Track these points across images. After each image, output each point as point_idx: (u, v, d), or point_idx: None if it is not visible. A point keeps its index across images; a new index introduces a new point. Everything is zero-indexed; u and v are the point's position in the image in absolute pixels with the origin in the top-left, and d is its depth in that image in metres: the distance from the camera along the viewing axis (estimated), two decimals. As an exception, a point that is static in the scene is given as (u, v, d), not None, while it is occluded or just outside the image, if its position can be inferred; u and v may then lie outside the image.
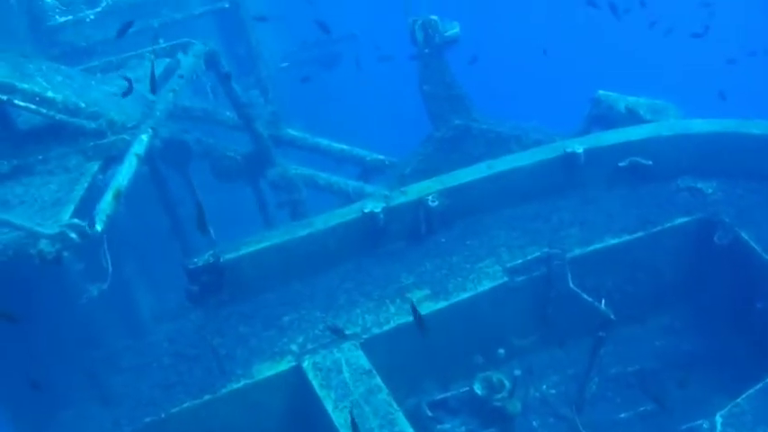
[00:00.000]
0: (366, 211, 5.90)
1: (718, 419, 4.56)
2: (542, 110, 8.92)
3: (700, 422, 4.61)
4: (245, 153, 7.45)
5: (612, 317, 5.53)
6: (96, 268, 4.58)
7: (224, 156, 7.38)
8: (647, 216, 6.04)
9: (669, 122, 6.62)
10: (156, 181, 6.47)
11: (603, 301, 5.61)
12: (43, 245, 4.06)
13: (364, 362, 5.09)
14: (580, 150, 6.17)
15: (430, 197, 6.05)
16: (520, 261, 5.77)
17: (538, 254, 5.80)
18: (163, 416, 4.85)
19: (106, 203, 4.38)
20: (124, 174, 4.66)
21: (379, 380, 4.90)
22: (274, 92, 8.79)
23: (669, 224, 5.98)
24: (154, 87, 5.31)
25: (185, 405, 4.90)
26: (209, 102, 8.10)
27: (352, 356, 5.14)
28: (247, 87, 8.54)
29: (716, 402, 4.82)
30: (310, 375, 5.01)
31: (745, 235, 5.77)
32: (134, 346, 5.47)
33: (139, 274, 7.14)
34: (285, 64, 12.50)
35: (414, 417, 5.03)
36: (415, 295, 5.57)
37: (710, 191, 6.23)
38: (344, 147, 8.37)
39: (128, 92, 5.11)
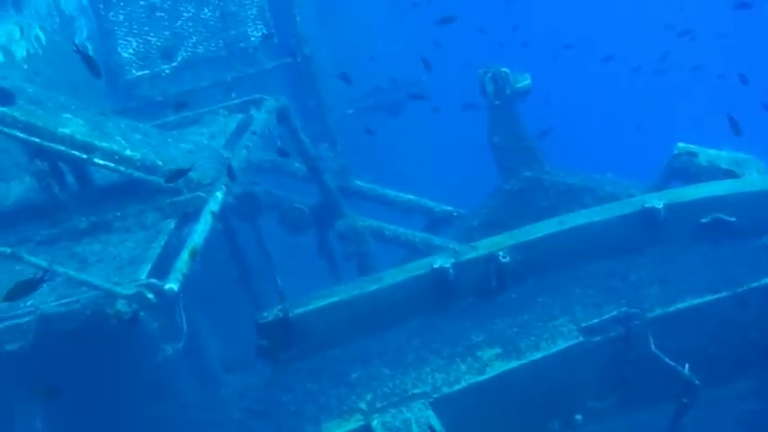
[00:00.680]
0: (435, 266, 5.82)
1: None
2: (617, 160, 8.75)
3: None
4: (314, 204, 7.48)
5: (697, 382, 5.30)
6: (171, 326, 4.60)
7: (292, 207, 7.41)
8: (732, 275, 5.80)
9: (753, 177, 6.40)
10: (226, 232, 6.53)
11: (687, 365, 5.38)
12: (120, 305, 4.09)
13: (435, 422, 4.97)
14: (660, 206, 5.98)
15: (501, 252, 5.93)
16: (596, 320, 5.59)
17: (615, 313, 5.60)
18: None
19: (182, 263, 4.41)
20: (200, 232, 4.69)
21: None
22: (342, 143, 8.82)
23: (755, 283, 5.74)
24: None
25: None
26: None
27: (422, 416, 5.03)
28: (314, 136, 8.63)
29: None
30: None
31: None
32: (205, 400, 5.47)
33: (209, 324, 7.19)
34: (350, 110, 12.61)
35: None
36: (486, 354, 5.44)
37: (798, 249, 5.98)
38: (412, 197, 8.34)
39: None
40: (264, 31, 7.98)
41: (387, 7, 12.82)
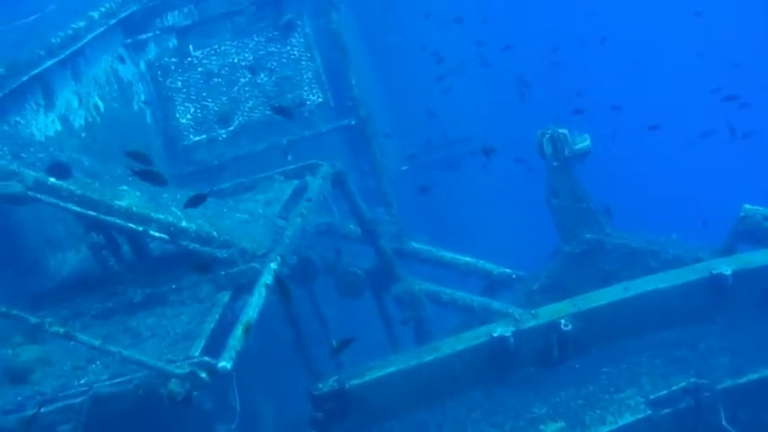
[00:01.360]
0: (495, 335, 5.67)
1: None
2: (680, 221, 8.50)
3: None
4: (369, 268, 7.39)
5: (773, 460, 5.03)
6: (224, 405, 4.53)
7: (347, 271, 7.34)
8: (806, 344, 5.54)
9: (826, 241, 6.14)
10: (281, 298, 6.47)
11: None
12: (173, 385, 4.03)
13: None
14: (728, 272, 5.74)
15: (563, 320, 5.75)
16: (664, 392, 5.38)
17: (684, 384, 5.40)
18: None
19: (236, 339, 4.35)
20: (253, 306, 4.64)
21: None
22: (398, 202, 8.75)
23: None
24: None
25: None
26: (332, 215, 8.16)
27: None
28: (370, 196, 8.59)
29: None
30: None
31: None
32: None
33: (263, 391, 7.12)
34: (405, 167, 12.57)
35: None
36: (549, 428, 5.26)
37: None
38: (469, 260, 8.20)
39: None
40: (321, 95, 8.01)
41: (446, 64, 12.85)
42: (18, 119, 6.02)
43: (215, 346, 4.43)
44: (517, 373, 5.77)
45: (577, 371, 5.74)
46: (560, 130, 6.96)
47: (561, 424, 5.33)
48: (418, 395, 5.64)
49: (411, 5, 12.80)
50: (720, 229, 6.88)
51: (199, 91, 7.99)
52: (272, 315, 6.57)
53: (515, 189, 12.55)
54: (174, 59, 7.95)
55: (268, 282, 4.91)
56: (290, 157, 7.62)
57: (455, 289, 7.68)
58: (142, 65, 7.93)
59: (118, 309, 5.01)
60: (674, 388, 5.41)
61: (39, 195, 4.89)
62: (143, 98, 7.87)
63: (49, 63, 6.37)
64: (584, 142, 6.99)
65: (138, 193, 5.14)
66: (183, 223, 5.05)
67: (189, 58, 7.99)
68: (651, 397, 5.37)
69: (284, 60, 8.04)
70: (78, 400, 4.15)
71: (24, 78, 6.03)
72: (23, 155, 5.11)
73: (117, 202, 4.97)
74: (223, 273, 5.04)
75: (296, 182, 6.41)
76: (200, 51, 7.99)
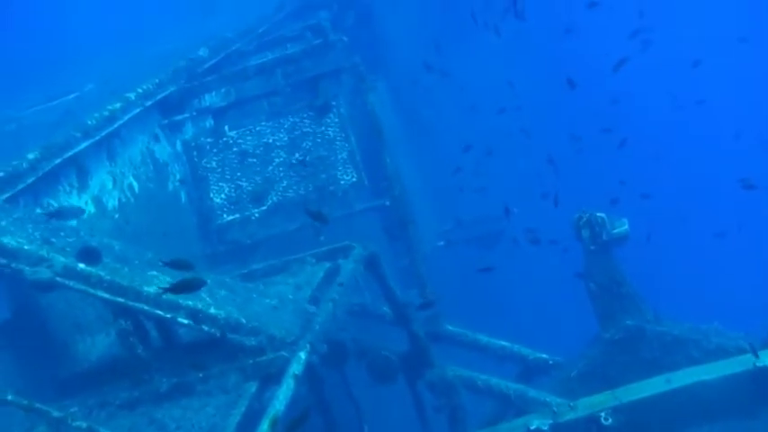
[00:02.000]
0: (532, 428, 5.50)
1: None
2: (719, 308, 8.23)
3: None
4: (402, 353, 7.20)
5: None
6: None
7: (380, 356, 7.15)
8: None
9: None
10: (311, 382, 6.31)
11: None
12: (195, 484, 3.89)
13: None
14: (773, 364, 5.51)
15: (603, 414, 5.55)
16: (710, 491, 5.11)
17: (730, 482, 5.12)
18: None
19: (262, 433, 4.20)
20: (281, 399, 4.50)
21: None
22: (432, 281, 8.59)
23: None
24: None
25: None
26: (364, 296, 8.04)
27: None
28: (404, 276, 8.45)
29: None
30: None
31: None
32: None
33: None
34: (441, 243, 12.42)
35: None
36: None
37: None
38: (505, 344, 8.01)
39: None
40: (354, 174, 7.96)
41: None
42: (51, 201, 6.04)
43: (241, 439, 4.30)
44: (555, 468, 5.54)
45: (618, 467, 5.49)
46: (598, 214, 6.83)
47: None
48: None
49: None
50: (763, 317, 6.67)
51: (233, 170, 7.99)
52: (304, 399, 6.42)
53: (553, 270, 12.32)
54: (209, 140, 7.98)
55: (297, 372, 4.78)
56: (322, 238, 7.53)
57: (490, 374, 7.46)
58: (178, 145, 7.97)
59: (144, 398, 4.89)
60: (720, 486, 5.14)
61: (67, 282, 4.85)
62: (178, 177, 7.89)
63: (84, 145, 6.42)
64: (622, 227, 6.85)
65: (167, 279, 5.08)
66: (212, 310, 4.97)
67: (224, 138, 8.02)
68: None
69: (319, 140, 8.03)
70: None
71: (58, 161, 6.06)
72: (53, 239, 5.10)
73: (146, 289, 4.91)
74: (251, 361, 4.92)
75: (328, 264, 6.31)
76: (235, 132, 8.02)
